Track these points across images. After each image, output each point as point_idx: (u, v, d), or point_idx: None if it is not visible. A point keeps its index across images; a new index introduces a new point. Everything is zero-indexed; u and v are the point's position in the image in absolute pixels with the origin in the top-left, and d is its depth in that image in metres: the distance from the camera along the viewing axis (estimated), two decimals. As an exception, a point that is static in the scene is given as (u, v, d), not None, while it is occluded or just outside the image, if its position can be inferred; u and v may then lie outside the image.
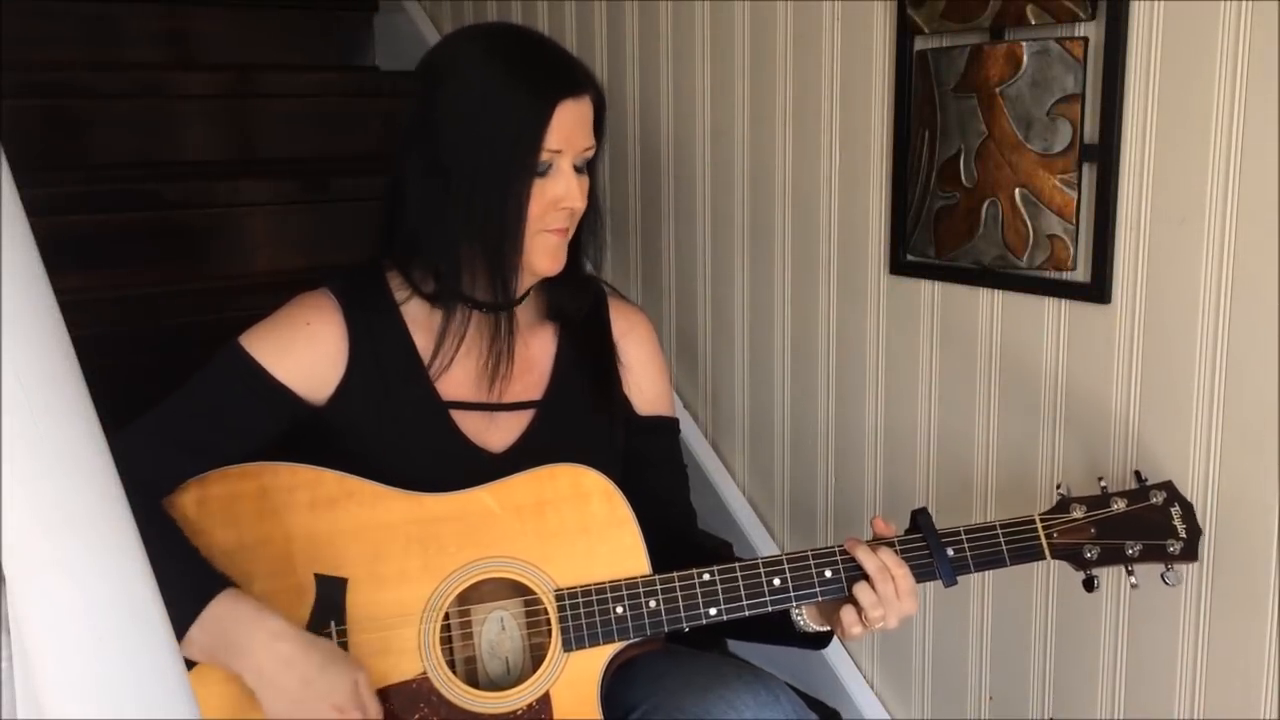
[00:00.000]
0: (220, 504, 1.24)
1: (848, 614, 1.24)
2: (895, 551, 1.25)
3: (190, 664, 1.17)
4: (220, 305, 2.11)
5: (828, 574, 1.26)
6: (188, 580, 1.17)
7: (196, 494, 1.24)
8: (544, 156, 1.24)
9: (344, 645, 1.22)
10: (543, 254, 1.29)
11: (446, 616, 1.25)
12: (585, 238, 1.38)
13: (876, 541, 1.27)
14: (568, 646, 1.23)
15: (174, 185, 2.25)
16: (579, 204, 1.29)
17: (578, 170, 1.29)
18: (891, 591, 1.23)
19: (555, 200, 1.27)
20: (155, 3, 2.61)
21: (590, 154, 1.30)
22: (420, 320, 1.34)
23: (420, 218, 1.29)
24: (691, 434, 2.11)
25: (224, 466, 1.25)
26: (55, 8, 2.46)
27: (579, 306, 1.41)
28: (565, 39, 2.30)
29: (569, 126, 1.25)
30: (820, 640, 1.33)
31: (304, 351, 1.30)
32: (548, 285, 1.39)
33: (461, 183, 1.25)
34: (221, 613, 1.15)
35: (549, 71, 1.26)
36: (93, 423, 0.69)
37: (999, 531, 1.27)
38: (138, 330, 2.02)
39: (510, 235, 1.26)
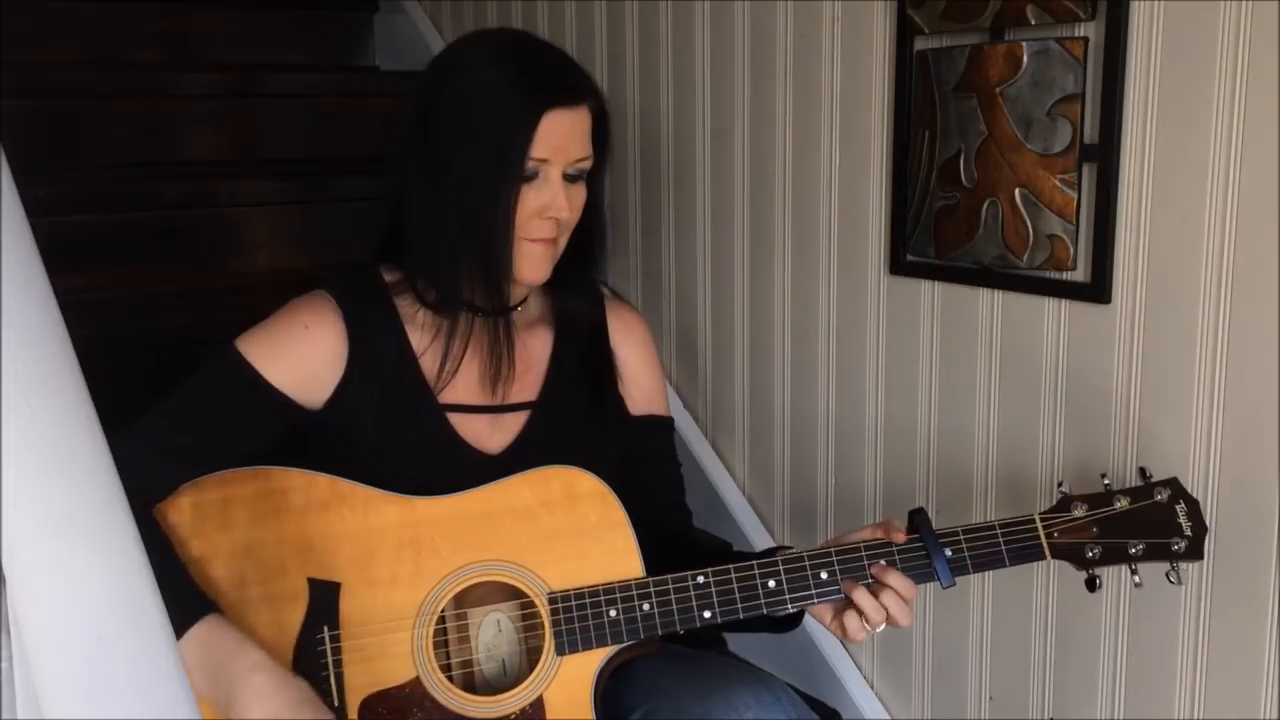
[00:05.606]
0: (215, 507, 1.23)
1: (850, 620, 1.25)
2: (899, 574, 1.25)
3: None
4: (220, 305, 2.10)
5: (823, 575, 1.25)
6: (171, 602, 1.16)
7: (192, 497, 1.23)
8: (530, 165, 1.24)
9: (337, 649, 1.22)
10: (525, 263, 1.28)
11: (442, 620, 1.24)
12: (596, 250, 1.38)
13: (874, 552, 1.26)
14: (561, 650, 1.23)
15: (174, 185, 2.25)
16: (565, 214, 1.27)
17: (571, 180, 1.28)
18: (882, 620, 1.24)
19: (540, 209, 1.26)
20: (156, 2, 2.61)
21: (586, 164, 1.29)
22: (418, 321, 1.33)
23: (419, 224, 1.29)
24: (691, 433, 2.11)
25: (218, 471, 1.24)
26: (56, 7, 2.46)
27: (581, 310, 1.41)
28: (565, 40, 2.30)
29: (559, 136, 1.24)
30: (793, 620, 1.32)
31: (302, 355, 1.29)
32: (553, 287, 1.39)
33: (454, 187, 1.25)
34: (203, 637, 1.14)
35: (541, 79, 1.25)
36: (93, 423, 0.69)
37: (998, 531, 1.26)
38: (138, 330, 2.01)
39: (499, 241, 1.25)
